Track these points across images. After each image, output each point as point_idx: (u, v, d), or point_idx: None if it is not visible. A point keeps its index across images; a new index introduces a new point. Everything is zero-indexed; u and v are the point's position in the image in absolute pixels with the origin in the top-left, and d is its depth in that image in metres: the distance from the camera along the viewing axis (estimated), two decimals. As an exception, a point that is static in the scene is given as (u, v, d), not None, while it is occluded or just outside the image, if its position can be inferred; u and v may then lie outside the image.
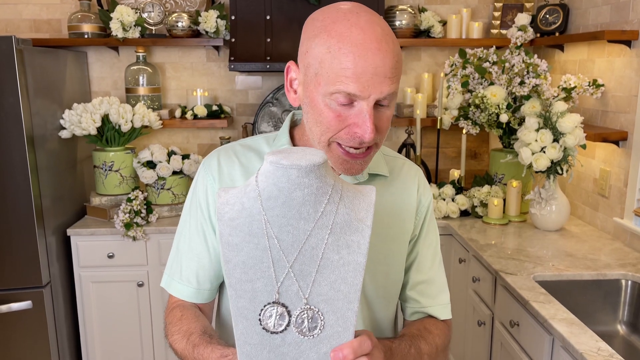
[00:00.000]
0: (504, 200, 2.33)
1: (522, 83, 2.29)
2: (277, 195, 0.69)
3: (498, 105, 2.27)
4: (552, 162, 2.07)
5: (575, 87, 2.17)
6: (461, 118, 2.44)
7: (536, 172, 2.11)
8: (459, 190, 2.45)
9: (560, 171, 2.08)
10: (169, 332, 0.89)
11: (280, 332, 0.68)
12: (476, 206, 2.36)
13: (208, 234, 0.90)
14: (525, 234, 2.15)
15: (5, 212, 2.07)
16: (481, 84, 2.37)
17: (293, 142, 0.92)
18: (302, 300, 0.68)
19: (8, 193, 2.06)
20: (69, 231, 2.29)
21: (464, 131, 2.45)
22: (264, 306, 0.68)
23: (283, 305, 0.68)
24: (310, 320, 0.68)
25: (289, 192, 0.68)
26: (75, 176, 2.49)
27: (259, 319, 0.68)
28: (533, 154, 2.08)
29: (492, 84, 2.34)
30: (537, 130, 2.08)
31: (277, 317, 0.68)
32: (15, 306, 2.11)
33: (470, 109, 2.37)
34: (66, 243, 2.33)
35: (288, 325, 0.68)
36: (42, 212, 2.15)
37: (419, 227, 0.98)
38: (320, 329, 0.68)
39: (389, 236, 0.92)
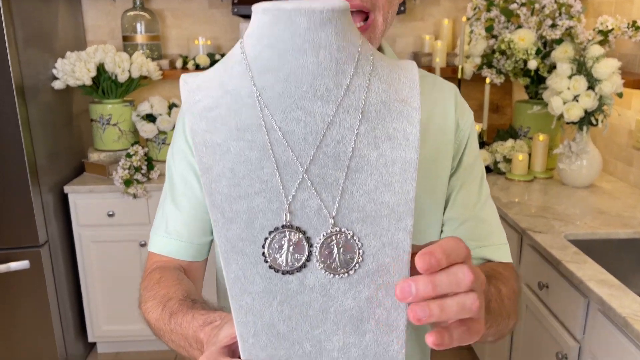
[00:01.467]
0: (529, 155, 2.16)
1: (553, 26, 2.08)
2: (277, 65, 0.49)
3: (526, 51, 2.07)
4: (585, 112, 1.89)
5: (612, 29, 1.97)
6: (484, 66, 2.25)
7: (567, 123, 1.94)
8: (481, 145, 2.29)
9: (594, 122, 1.90)
10: (142, 300, 0.70)
11: (297, 270, 0.48)
12: (499, 162, 2.20)
13: (195, 181, 0.76)
14: (552, 191, 2.00)
15: (-3, 169, 1.95)
16: (507, 28, 2.17)
17: None
18: (327, 221, 0.49)
19: (-1, 148, 1.94)
20: (67, 188, 2.17)
21: (488, 81, 2.26)
22: (270, 234, 0.48)
23: (298, 229, 0.48)
24: (342, 250, 0.48)
25: (296, 55, 0.48)
26: (71, 131, 2.36)
27: (263, 254, 0.48)
28: (565, 103, 1.90)
29: (519, 27, 2.14)
30: (570, 77, 1.90)
31: (291, 248, 0.48)
32: (14, 266, 2.03)
33: (495, 56, 2.18)
34: (64, 201, 2.22)
35: (308, 259, 0.48)
36: (37, 169, 2.03)
37: (458, 157, 0.80)
38: (358, 263, 0.48)
39: (420, 176, 0.76)
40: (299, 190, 0.49)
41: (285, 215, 0.48)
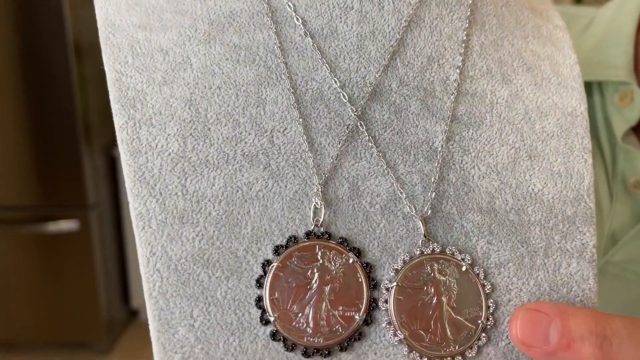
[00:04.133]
0: None
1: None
2: None
3: None
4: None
5: None
6: None
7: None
8: None
9: None
10: None
11: (343, 347, 0.29)
12: None
13: None
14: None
15: (47, 128, 1.91)
16: None
17: None
18: (411, 229, 0.30)
19: (51, 107, 1.89)
20: (116, 151, 2.11)
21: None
22: (276, 252, 0.29)
23: (346, 245, 0.29)
24: (447, 299, 0.29)
25: None
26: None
27: (260, 303, 0.29)
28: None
29: None
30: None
31: (328, 291, 0.28)
32: (64, 225, 2.00)
33: None
34: (113, 164, 2.17)
35: (369, 319, 0.29)
36: (89, 129, 1.98)
37: None
38: (485, 328, 0.30)
39: None
40: (346, 158, 0.31)
41: (315, 209, 0.31)
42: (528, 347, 0.28)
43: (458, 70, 0.34)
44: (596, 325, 0.27)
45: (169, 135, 0.31)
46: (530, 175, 0.33)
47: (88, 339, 2.10)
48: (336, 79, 0.33)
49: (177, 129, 0.31)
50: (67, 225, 2.00)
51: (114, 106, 0.31)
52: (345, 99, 0.33)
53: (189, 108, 0.31)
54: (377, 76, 0.33)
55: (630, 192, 0.53)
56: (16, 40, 1.85)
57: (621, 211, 0.53)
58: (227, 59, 0.33)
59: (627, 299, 0.54)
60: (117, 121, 0.31)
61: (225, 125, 0.32)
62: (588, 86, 0.56)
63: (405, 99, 0.33)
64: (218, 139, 0.31)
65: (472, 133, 0.34)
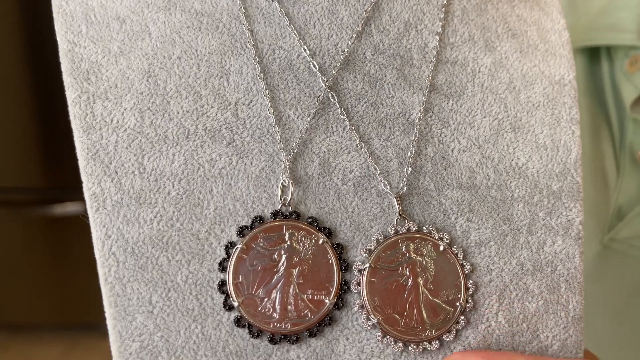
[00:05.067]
0: None
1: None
2: None
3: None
4: None
5: None
6: None
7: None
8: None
9: None
10: None
11: (313, 333, 0.27)
12: None
13: None
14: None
15: (54, 108, 1.90)
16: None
17: None
18: (385, 206, 0.28)
19: (57, 87, 1.87)
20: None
21: None
22: (241, 234, 0.28)
23: (315, 225, 0.28)
24: (422, 280, 0.28)
25: None
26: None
27: (222, 286, 0.27)
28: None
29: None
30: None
31: (296, 274, 0.27)
32: (70, 208, 2.00)
33: None
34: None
35: (339, 303, 0.28)
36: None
37: None
38: (464, 311, 0.28)
39: None
40: (316, 133, 0.30)
41: (283, 187, 0.29)
42: None
43: (437, 37, 0.32)
44: None
45: (125, 109, 0.29)
46: (514, 149, 0.31)
47: (94, 321, 2.12)
48: (305, 47, 0.30)
49: (134, 103, 0.29)
50: (73, 207, 2.00)
51: (66, 79, 0.29)
52: (316, 68, 0.30)
53: (147, 80, 0.29)
54: (349, 43, 0.31)
55: (638, 165, 0.50)
56: (22, 20, 1.82)
57: (628, 185, 0.51)
58: (188, 27, 0.30)
59: (632, 279, 0.52)
60: (70, 95, 0.29)
61: (186, 98, 0.30)
62: (596, 51, 0.53)
63: (380, 68, 0.31)
64: (178, 113, 0.29)
65: (452, 104, 0.31)
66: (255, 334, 0.28)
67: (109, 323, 0.27)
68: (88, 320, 2.12)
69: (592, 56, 0.53)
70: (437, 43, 0.32)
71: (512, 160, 0.31)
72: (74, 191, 1.97)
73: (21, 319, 2.11)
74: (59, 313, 2.13)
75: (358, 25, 0.31)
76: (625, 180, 0.50)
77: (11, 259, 2.05)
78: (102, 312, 0.28)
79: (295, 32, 0.30)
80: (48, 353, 1.85)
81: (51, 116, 1.91)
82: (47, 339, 2.00)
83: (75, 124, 0.28)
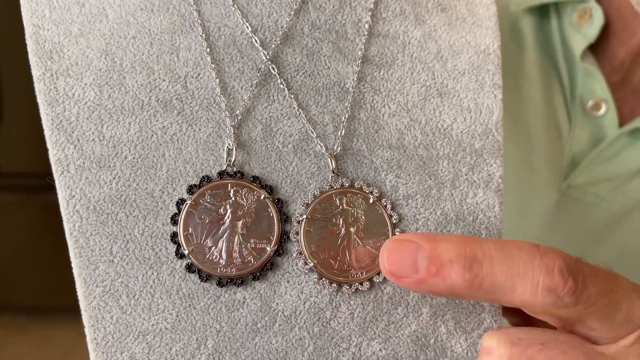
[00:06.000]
0: None
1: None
2: None
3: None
4: None
5: None
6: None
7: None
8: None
9: None
10: None
11: (256, 277, 0.31)
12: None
13: None
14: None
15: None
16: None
17: None
18: (322, 166, 0.33)
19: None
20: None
21: None
22: (190, 191, 0.31)
23: (258, 183, 0.32)
24: (354, 229, 0.32)
25: None
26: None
27: (175, 238, 0.31)
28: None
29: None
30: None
31: (241, 225, 0.31)
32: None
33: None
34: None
35: (280, 250, 0.32)
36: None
37: None
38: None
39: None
40: (259, 101, 0.33)
41: (228, 150, 0.33)
42: (398, 277, 0.27)
43: (370, 13, 0.35)
44: (465, 249, 0.26)
45: (85, 84, 0.33)
46: (440, 112, 0.34)
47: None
48: (248, 24, 0.34)
49: (94, 79, 0.33)
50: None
51: (32, 59, 0.33)
52: (257, 43, 0.34)
53: (105, 58, 0.33)
54: (288, 20, 0.34)
55: (588, 115, 0.53)
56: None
57: (580, 135, 0.54)
58: (141, 9, 0.34)
59: (588, 225, 0.55)
60: (35, 73, 0.32)
61: (140, 73, 0.33)
62: (545, 8, 0.55)
63: (317, 42, 0.34)
64: (133, 86, 0.33)
65: (384, 73, 0.35)
66: (205, 278, 0.32)
67: (75, 272, 0.31)
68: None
69: (542, 15, 0.55)
70: (370, 18, 0.35)
71: (438, 122, 0.34)
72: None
73: (40, 301, 2.19)
74: (72, 295, 2.20)
75: (296, 3, 0.34)
76: (577, 130, 0.53)
77: (24, 243, 2.12)
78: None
79: (239, 11, 0.34)
80: (68, 334, 1.92)
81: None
82: (66, 321, 2.07)
83: (40, 99, 0.32)
